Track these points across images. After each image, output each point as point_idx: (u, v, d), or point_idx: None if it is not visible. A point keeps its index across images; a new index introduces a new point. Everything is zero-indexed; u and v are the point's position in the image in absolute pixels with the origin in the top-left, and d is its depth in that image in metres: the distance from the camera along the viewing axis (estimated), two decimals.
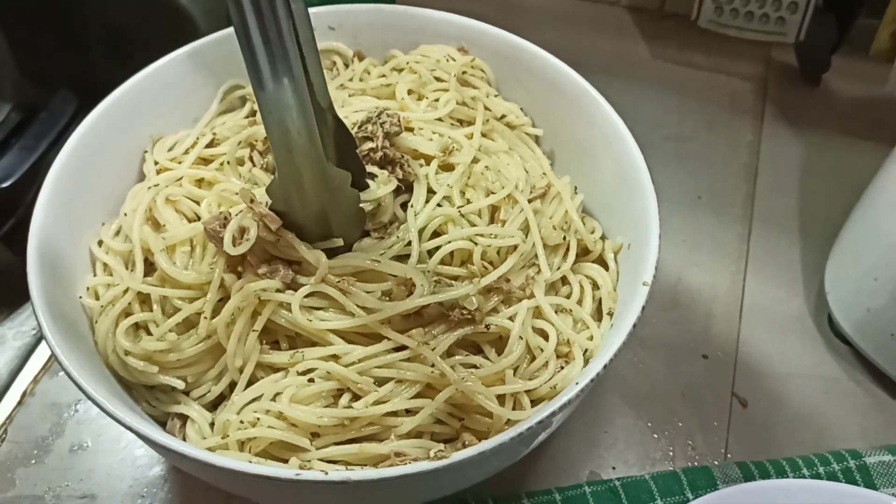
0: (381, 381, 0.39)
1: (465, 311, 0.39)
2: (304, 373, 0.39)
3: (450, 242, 0.42)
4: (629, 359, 0.54)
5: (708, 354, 0.54)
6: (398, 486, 0.36)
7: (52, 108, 0.60)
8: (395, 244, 0.41)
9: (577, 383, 0.37)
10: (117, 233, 0.45)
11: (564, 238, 0.44)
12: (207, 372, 0.40)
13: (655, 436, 0.50)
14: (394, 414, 0.38)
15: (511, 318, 0.41)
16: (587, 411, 0.51)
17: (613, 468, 0.49)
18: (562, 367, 0.41)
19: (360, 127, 0.45)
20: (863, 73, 0.69)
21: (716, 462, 0.49)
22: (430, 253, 0.42)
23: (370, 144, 0.44)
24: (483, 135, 0.49)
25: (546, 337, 0.41)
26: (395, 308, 0.38)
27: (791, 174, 0.64)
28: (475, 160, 0.46)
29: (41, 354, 0.53)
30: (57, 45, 0.63)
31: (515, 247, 0.42)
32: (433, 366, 0.38)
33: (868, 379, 0.53)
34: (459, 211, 0.43)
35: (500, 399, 0.38)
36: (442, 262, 0.42)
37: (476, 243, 0.42)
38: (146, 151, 0.48)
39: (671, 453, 0.50)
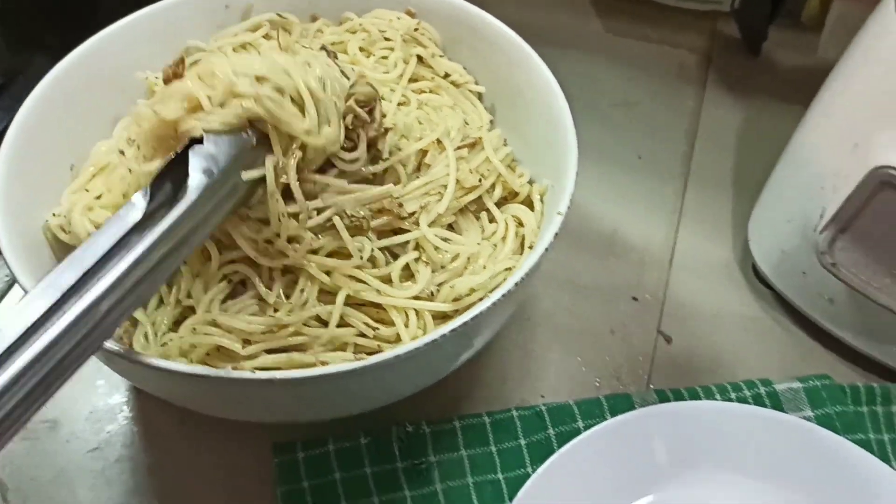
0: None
1: (353, 219, 0.43)
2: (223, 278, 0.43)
3: None
4: (564, 302, 0.57)
5: (638, 297, 0.58)
6: (323, 389, 0.40)
7: (29, 73, 0.64)
8: None
9: (488, 299, 0.41)
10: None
11: (480, 180, 0.48)
12: None
13: (584, 369, 0.54)
14: (317, 324, 0.43)
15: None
16: (521, 346, 0.55)
17: (542, 396, 0.53)
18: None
19: None
20: (800, 43, 0.73)
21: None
22: None
23: None
24: (430, 91, 0.54)
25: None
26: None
27: (728, 137, 0.68)
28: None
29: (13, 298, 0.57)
30: (38, 13, 0.67)
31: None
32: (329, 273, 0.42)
33: (787, 319, 0.57)
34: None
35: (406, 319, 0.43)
36: None
37: None
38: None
39: (597, 384, 0.53)
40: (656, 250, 0.61)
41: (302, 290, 0.43)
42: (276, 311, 0.43)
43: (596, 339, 0.56)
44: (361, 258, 0.43)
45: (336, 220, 0.43)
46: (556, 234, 0.44)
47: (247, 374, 0.38)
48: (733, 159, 0.67)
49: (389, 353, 0.39)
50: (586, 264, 0.60)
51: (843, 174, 0.47)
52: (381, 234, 0.46)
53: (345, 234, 0.43)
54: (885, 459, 0.49)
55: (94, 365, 0.51)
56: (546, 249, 0.43)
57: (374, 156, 0.47)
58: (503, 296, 0.41)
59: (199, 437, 0.50)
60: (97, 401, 0.51)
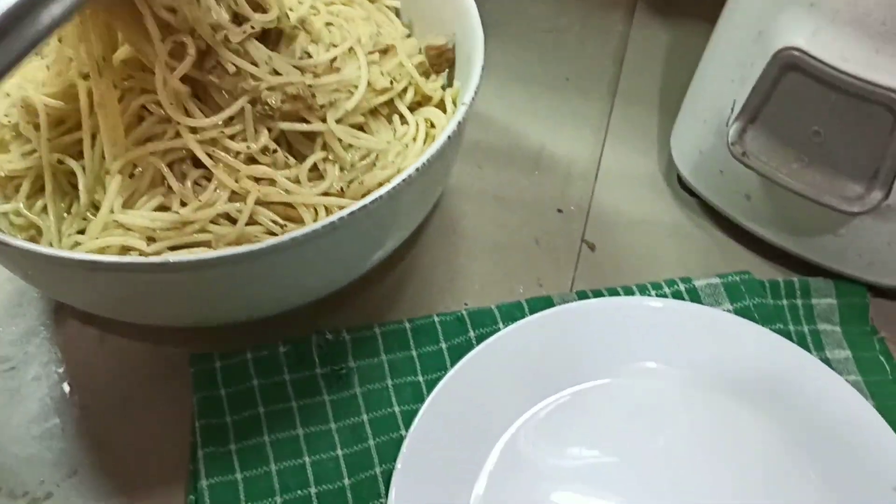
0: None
1: (266, 107, 0.42)
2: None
3: None
4: (489, 216, 0.57)
5: (563, 209, 0.58)
6: (223, 278, 0.40)
7: None
8: None
9: (389, 184, 0.41)
10: None
11: (392, 83, 0.48)
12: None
13: (508, 279, 0.54)
14: (226, 222, 0.42)
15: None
16: (446, 260, 0.55)
17: (466, 304, 0.52)
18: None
19: None
20: None
21: None
22: None
23: None
24: (343, 4, 0.53)
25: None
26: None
27: (656, 59, 0.68)
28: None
29: None
30: None
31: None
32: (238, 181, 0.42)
33: (710, 224, 0.57)
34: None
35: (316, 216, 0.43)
36: None
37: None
38: None
39: (521, 291, 0.53)
40: (582, 165, 0.61)
41: (216, 189, 0.43)
42: (183, 204, 0.43)
43: (520, 249, 0.56)
44: (267, 151, 0.43)
45: (247, 107, 0.43)
46: (460, 123, 0.44)
47: (139, 260, 0.38)
48: (661, 79, 0.67)
49: (285, 235, 0.39)
50: (513, 180, 0.60)
51: (750, 63, 0.48)
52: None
53: (251, 123, 0.43)
54: (806, 349, 0.49)
55: (12, 286, 0.51)
56: (449, 137, 0.43)
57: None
58: (404, 181, 0.41)
59: (119, 354, 0.50)
60: (15, 323, 0.51)
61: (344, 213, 0.39)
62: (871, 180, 0.45)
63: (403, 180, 0.41)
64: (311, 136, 0.46)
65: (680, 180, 0.58)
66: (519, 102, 0.65)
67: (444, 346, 0.49)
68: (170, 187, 0.43)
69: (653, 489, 0.44)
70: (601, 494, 0.44)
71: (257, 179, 0.44)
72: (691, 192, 0.58)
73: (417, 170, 0.41)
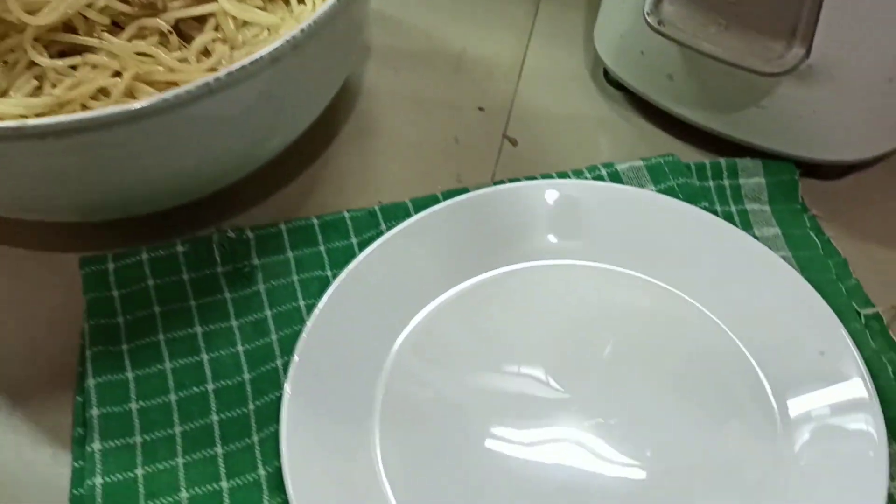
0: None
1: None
2: None
3: None
4: (408, 117, 0.55)
5: (484, 107, 0.55)
6: (92, 143, 0.37)
7: None
8: None
9: (269, 45, 0.38)
10: None
11: None
12: None
13: (426, 176, 0.51)
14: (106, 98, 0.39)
15: None
16: (360, 160, 0.52)
17: (380, 202, 0.50)
18: None
19: None
20: None
21: None
22: None
23: None
24: None
25: None
26: None
27: None
28: None
29: None
30: None
31: None
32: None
33: (637, 115, 0.54)
34: None
35: None
36: None
37: None
38: None
39: (439, 187, 0.51)
40: (506, 65, 0.58)
41: (94, 67, 0.40)
42: (54, 86, 0.40)
43: (439, 148, 0.53)
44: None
45: None
46: None
47: None
48: None
49: (155, 97, 0.36)
50: (432, 82, 0.57)
51: None
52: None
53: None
54: None
55: None
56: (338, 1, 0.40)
57: None
58: (288, 42, 0.38)
59: (3, 260, 0.46)
60: None
61: (221, 73, 0.37)
62: (791, 37, 0.43)
63: (287, 41, 0.38)
64: (202, 21, 0.44)
65: (606, 76, 0.56)
66: (440, 4, 0.62)
67: (354, 240, 0.47)
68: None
69: (574, 369, 0.41)
70: (518, 375, 0.41)
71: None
72: (618, 86, 0.55)
73: (302, 31, 0.38)
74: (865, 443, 0.37)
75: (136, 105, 0.35)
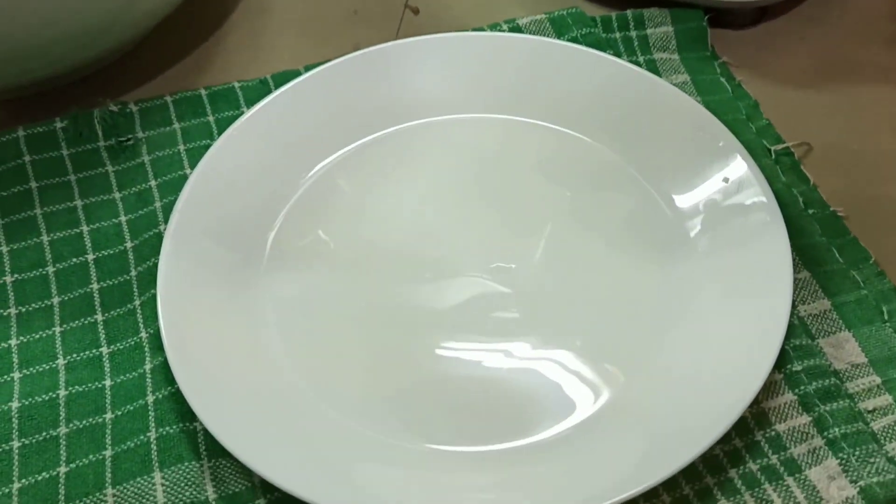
0: None
1: None
2: None
3: None
4: None
5: None
6: None
7: None
8: None
9: None
10: None
11: None
12: None
13: (320, 47, 0.49)
14: None
15: None
16: (252, 39, 0.49)
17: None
18: None
19: None
20: None
21: None
22: None
23: None
24: None
25: None
26: None
27: None
28: None
29: None
30: None
31: None
32: None
33: None
34: None
35: None
36: None
37: None
38: None
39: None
40: None
41: None
42: None
43: (336, 21, 0.50)
44: None
45: None
46: None
47: None
48: None
49: None
50: None
51: None
52: None
53: None
54: None
55: None
56: None
57: None
58: None
59: None
60: None
61: None
62: None
63: None
64: None
65: None
66: None
67: (245, 110, 0.44)
68: None
69: (472, 215, 0.40)
70: (417, 226, 0.40)
71: None
72: None
73: None
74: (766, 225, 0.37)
75: None
